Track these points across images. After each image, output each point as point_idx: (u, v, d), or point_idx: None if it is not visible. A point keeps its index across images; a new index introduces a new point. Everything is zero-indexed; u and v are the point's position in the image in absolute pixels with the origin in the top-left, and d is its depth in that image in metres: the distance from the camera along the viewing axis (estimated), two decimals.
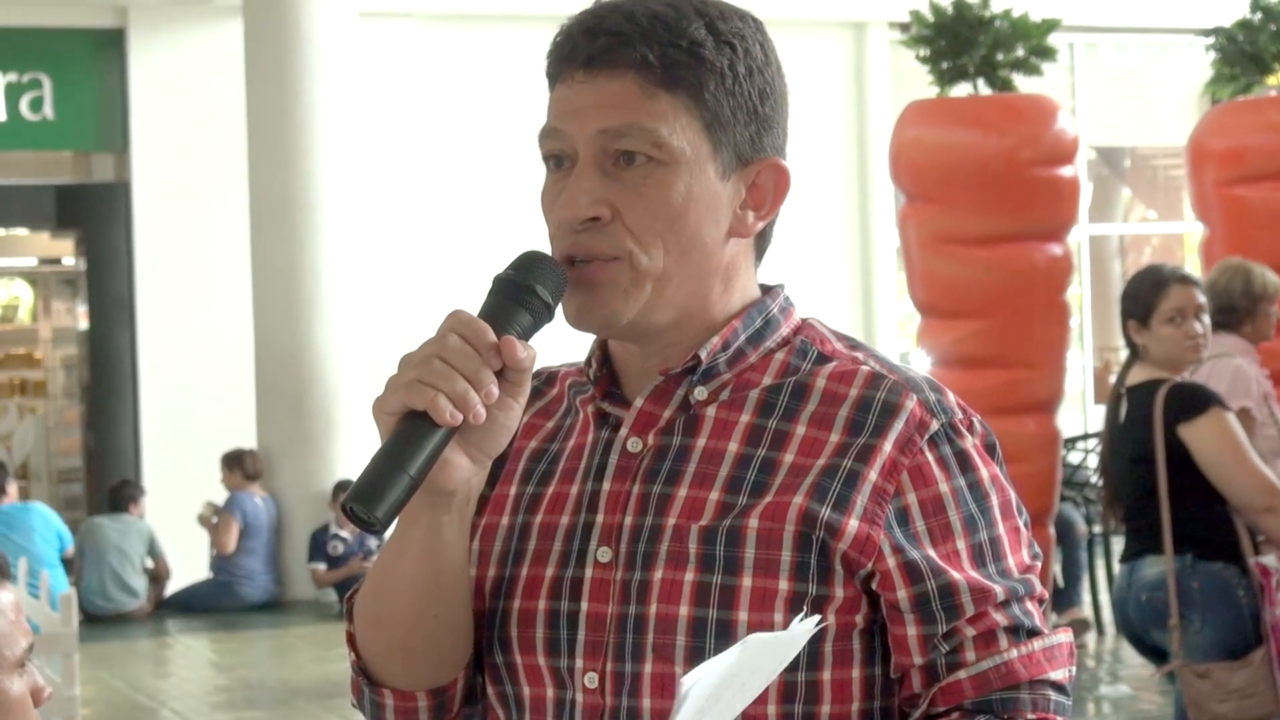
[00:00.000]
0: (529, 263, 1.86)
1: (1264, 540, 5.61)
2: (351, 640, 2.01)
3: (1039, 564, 1.90)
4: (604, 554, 1.89)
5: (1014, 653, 1.83)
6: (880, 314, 15.84)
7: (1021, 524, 1.90)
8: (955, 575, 1.83)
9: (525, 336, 1.83)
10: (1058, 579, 10.09)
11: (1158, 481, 5.55)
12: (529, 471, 1.98)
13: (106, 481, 13.82)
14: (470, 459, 1.83)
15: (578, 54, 1.88)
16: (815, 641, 1.81)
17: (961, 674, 1.83)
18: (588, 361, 1.99)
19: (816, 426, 1.86)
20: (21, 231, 16.99)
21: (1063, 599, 10.34)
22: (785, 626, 1.79)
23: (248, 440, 13.23)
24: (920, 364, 8.10)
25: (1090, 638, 10.46)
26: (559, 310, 1.88)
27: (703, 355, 1.89)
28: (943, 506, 1.85)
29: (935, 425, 1.85)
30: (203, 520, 13.18)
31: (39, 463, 16.99)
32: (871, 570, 1.83)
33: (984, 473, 1.87)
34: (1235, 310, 6.48)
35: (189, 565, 13.16)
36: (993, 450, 1.90)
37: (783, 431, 1.86)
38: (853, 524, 1.82)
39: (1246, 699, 5.50)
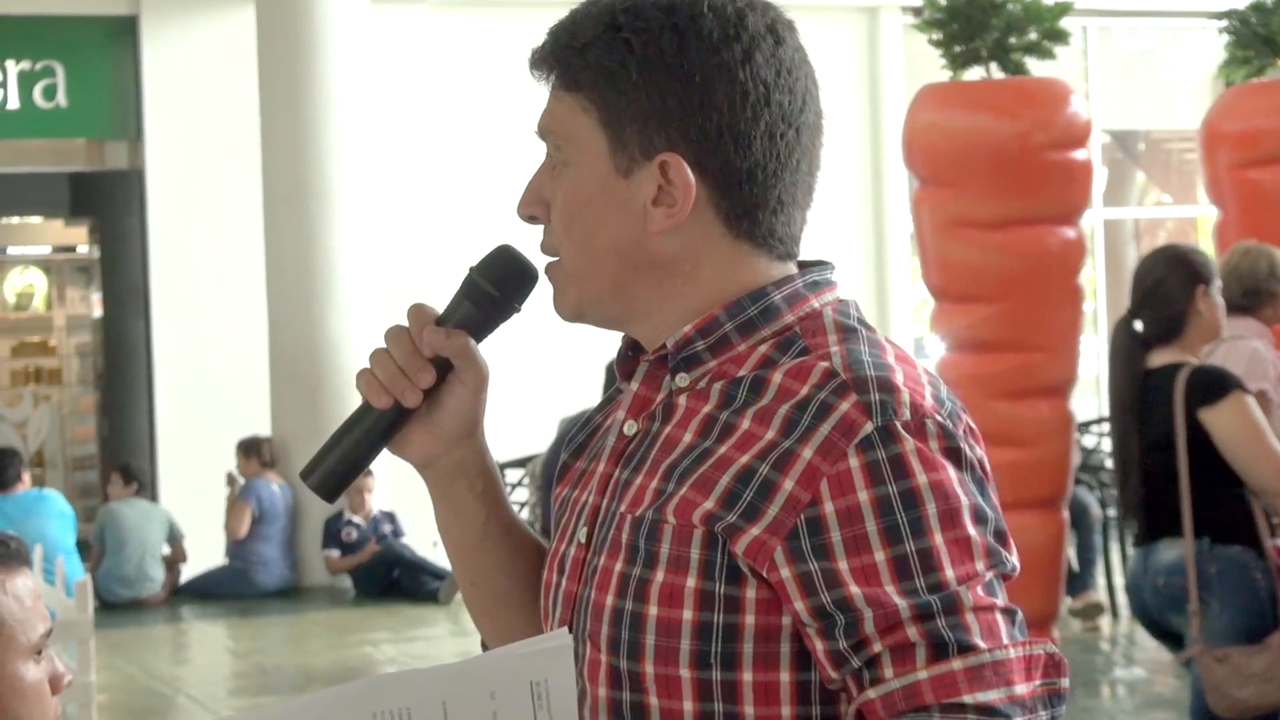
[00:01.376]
0: (488, 258, 1.98)
1: None
2: None
3: (1000, 572, 1.78)
4: (582, 534, 1.94)
5: (923, 674, 1.72)
6: (894, 299, 15.84)
7: (974, 533, 1.76)
8: (853, 589, 1.73)
9: (472, 326, 1.95)
10: (1072, 562, 10.08)
11: (1177, 465, 5.55)
12: (590, 447, 2.04)
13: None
14: (432, 436, 1.98)
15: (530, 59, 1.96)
16: (731, 640, 1.79)
17: (872, 693, 1.73)
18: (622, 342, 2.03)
19: (757, 422, 1.81)
20: (35, 219, 17.01)
21: (1077, 582, 10.34)
22: (694, 623, 1.79)
23: (262, 427, 13.25)
24: (934, 348, 8.10)
25: (1105, 621, 10.46)
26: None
27: (669, 343, 1.90)
28: (860, 516, 1.74)
29: (868, 428, 1.76)
30: (230, 479, 13.23)
31: (54, 450, 17.02)
32: (766, 580, 1.77)
33: (921, 479, 1.75)
34: (1260, 293, 6.46)
35: (205, 552, 13.18)
36: (954, 455, 1.78)
37: (730, 424, 1.83)
38: (753, 531, 1.77)
39: (1267, 683, 5.49)
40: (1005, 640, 1.74)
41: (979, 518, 1.77)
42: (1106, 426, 11.73)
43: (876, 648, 1.73)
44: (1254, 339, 6.33)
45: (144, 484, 13.01)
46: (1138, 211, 17.94)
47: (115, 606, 12.39)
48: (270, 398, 13.27)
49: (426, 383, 1.94)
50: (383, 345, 1.95)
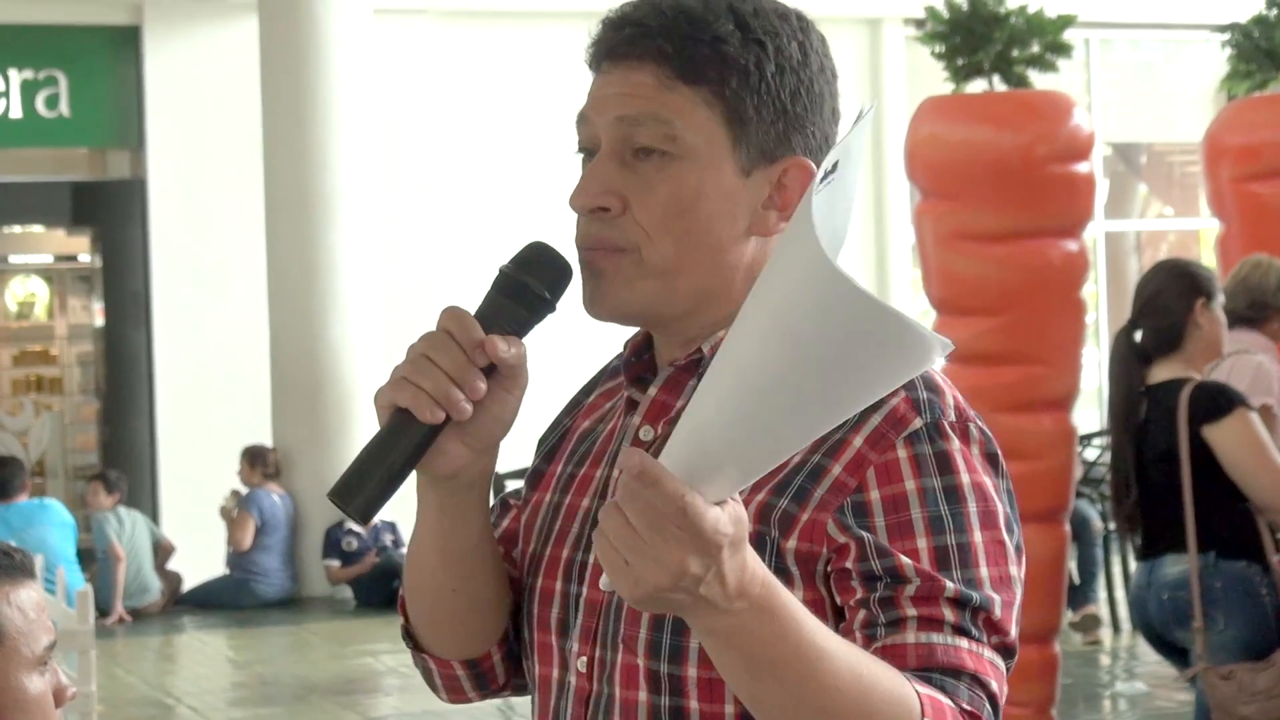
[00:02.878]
0: (527, 256, 1.88)
1: None
2: (402, 604, 2.09)
3: (1017, 592, 1.80)
4: None
5: (963, 642, 1.74)
6: None
7: (1010, 542, 1.80)
8: (905, 560, 1.75)
9: (520, 331, 1.84)
10: (1073, 575, 10.07)
11: (1181, 480, 5.54)
12: (574, 451, 2.01)
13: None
14: (467, 447, 1.86)
15: (604, 45, 1.90)
16: None
17: (909, 637, 1.74)
18: (626, 345, 2.00)
19: None
20: (37, 228, 17.00)
21: (1078, 595, 10.33)
22: None
23: (263, 436, 13.24)
24: (935, 362, 8.09)
25: (1105, 634, 10.45)
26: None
27: (705, 349, 1.89)
28: (905, 504, 1.77)
29: (917, 424, 1.79)
30: (225, 512, 13.19)
31: (55, 459, 17.00)
32: (825, 555, 1.78)
33: (965, 478, 1.79)
34: (1267, 306, 6.46)
35: (205, 562, 13.17)
36: (993, 460, 1.83)
37: None
38: (805, 516, 1.78)
39: (1272, 699, 5.48)
40: (1001, 661, 1.78)
41: (1009, 528, 1.81)
42: (1108, 440, 11.73)
43: (909, 611, 1.75)
44: (1259, 353, 6.32)
45: (124, 493, 12.95)
46: (1140, 224, 17.94)
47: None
48: (271, 407, 13.26)
49: (481, 394, 1.81)
50: (421, 354, 1.81)
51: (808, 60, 1.88)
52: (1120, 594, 10.53)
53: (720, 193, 1.86)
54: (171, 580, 13.04)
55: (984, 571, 1.77)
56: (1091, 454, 12.70)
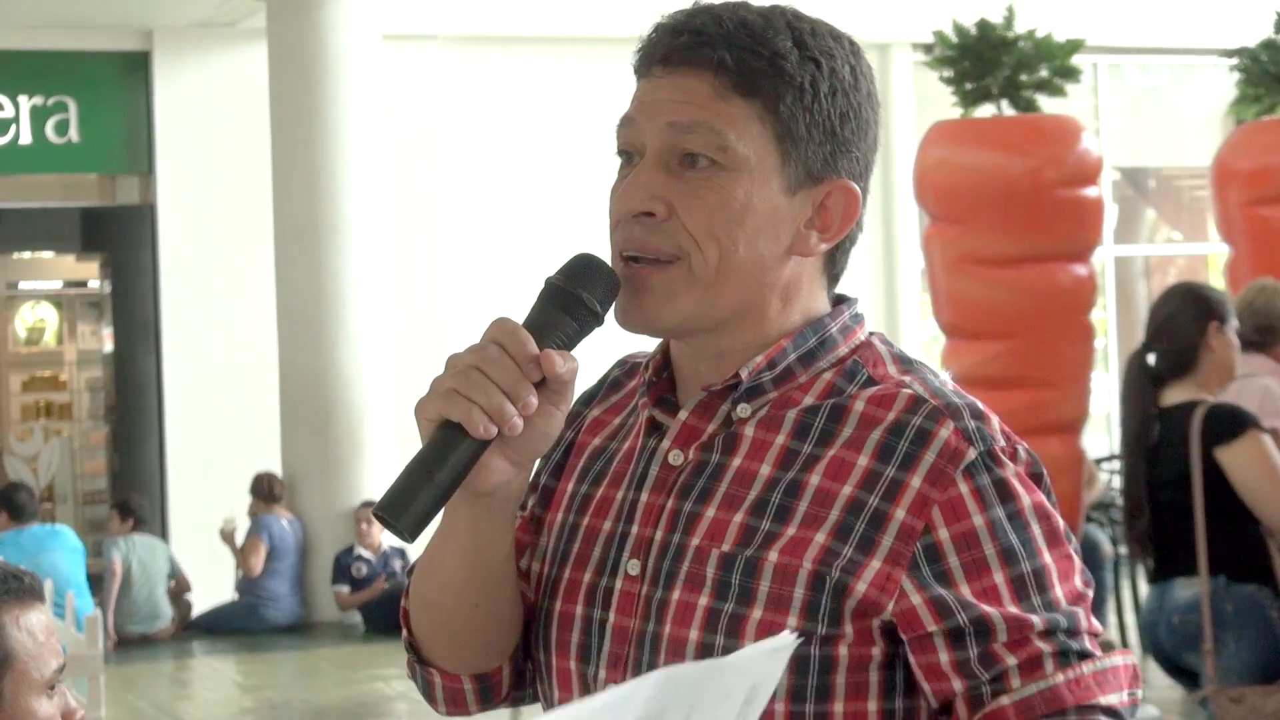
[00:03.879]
0: (578, 268, 1.84)
1: None
2: (405, 616, 2.04)
3: (1091, 592, 1.84)
4: (633, 566, 1.89)
5: (1060, 677, 1.77)
6: (905, 335, 15.83)
7: (1073, 551, 1.84)
8: (988, 609, 1.77)
9: (570, 345, 1.82)
10: None
11: (1193, 503, 5.54)
12: (586, 470, 1.99)
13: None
14: (509, 462, 1.83)
15: (659, 49, 1.88)
16: (826, 674, 1.80)
17: (1004, 700, 1.77)
18: (646, 365, 1.97)
19: (847, 449, 1.82)
20: (47, 254, 17.03)
21: None
22: (793, 658, 1.73)
23: (272, 462, 13.24)
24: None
25: None
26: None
27: (744, 374, 1.88)
28: (977, 540, 1.78)
29: (972, 454, 1.79)
30: (225, 536, 13.19)
31: (64, 485, 17.01)
32: (894, 610, 1.78)
33: (1025, 500, 1.80)
34: (1274, 330, 6.46)
35: (215, 587, 13.17)
36: (1039, 479, 1.84)
37: (815, 455, 1.83)
38: (874, 564, 1.78)
39: None
40: (1106, 661, 1.82)
41: (1069, 538, 1.85)
42: (1118, 464, 11.71)
43: (1009, 661, 1.77)
44: (1266, 376, 6.32)
45: (141, 519, 12.97)
46: (1148, 249, 17.93)
47: (125, 642, 12.38)
48: (280, 432, 13.26)
49: (533, 409, 1.78)
50: (472, 366, 1.77)
51: (859, 84, 1.88)
52: (1130, 618, 10.51)
53: (765, 208, 1.85)
54: (183, 607, 13.04)
55: (1058, 591, 1.80)
56: (1101, 478, 12.67)
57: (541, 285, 1.85)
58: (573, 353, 1.83)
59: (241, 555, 13.05)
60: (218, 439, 14.18)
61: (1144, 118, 17.25)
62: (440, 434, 1.77)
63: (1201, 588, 5.55)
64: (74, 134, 14.36)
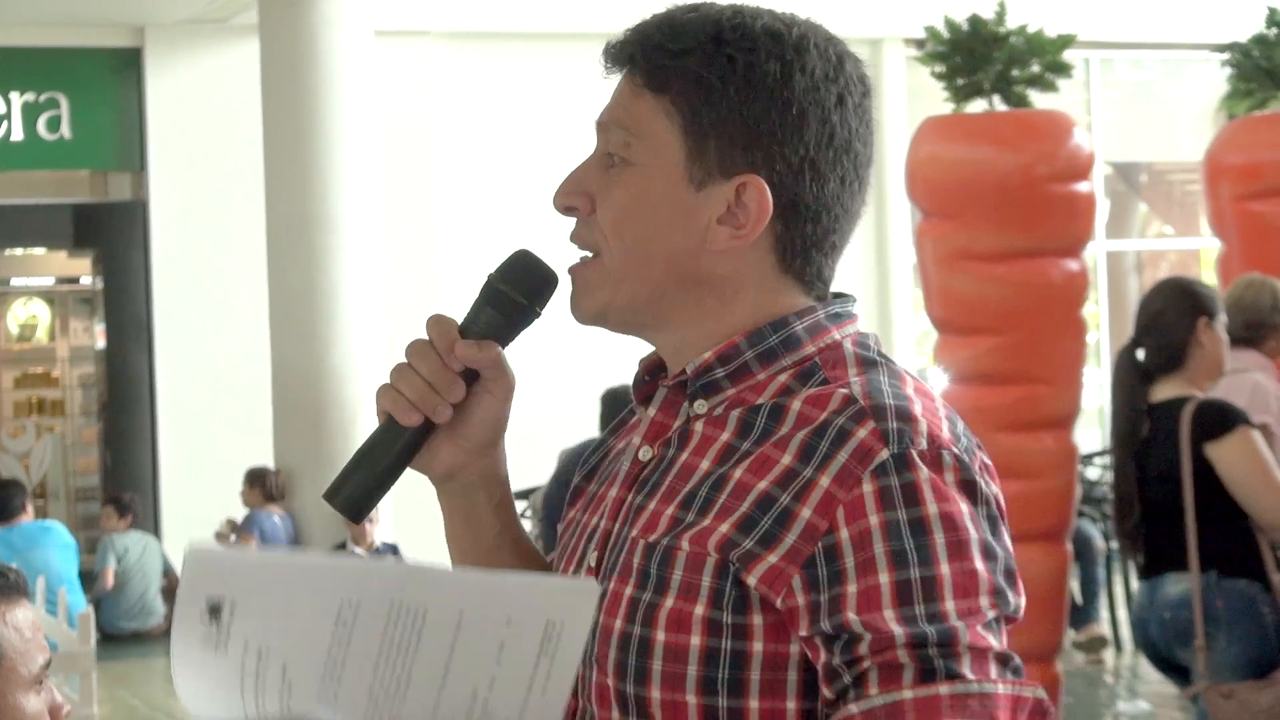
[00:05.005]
0: (509, 263, 1.94)
1: None
2: None
3: (1003, 613, 1.76)
4: (593, 559, 1.93)
5: (909, 694, 1.70)
6: (897, 331, 15.84)
7: (981, 568, 1.75)
8: (851, 615, 1.72)
9: (499, 336, 1.91)
10: (1075, 595, 10.06)
11: (1183, 499, 5.54)
12: (601, 470, 2.04)
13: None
14: (458, 448, 1.93)
15: (605, 51, 1.93)
16: (739, 669, 1.79)
17: (854, 707, 1.72)
18: (638, 365, 2.02)
19: (775, 447, 1.82)
20: (39, 251, 17.03)
21: (1080, 615, 10.32)
22: (702, 650, 1.79)
23: (265, 459, 13.23)
24: (937, 381, 8.10)
25: (1108, 654, 10.44)
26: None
27: (689, 369, 1.90)
28: (870, 540, 1.74)
29: (883, 455, 1.76)
30: (220, 538, 13.18)
31: (56, 481, 17.01)
32: (781, 607, 1.77)
33: (932, 508, 1.75)
34: (1262, 325, 6.46)
35: None
36: (968, 488, 1.78)
37: (746, 451, 1.83)
38: (770, 559, 1.77)
39: (1274, 718, 5.48)
40: (994, 676, 1.72)
41: (987, 554, 1.77)
42: (1110, 459, 11.73)
43: (866, 665, 1.72)
44: (1256, 372, 6.33)
45: (137, 515, 12.97)
46: (1140, 244, 17.94)
47: (117, 638, 12.37)
48: (273, 429, 13.26)
49: (458, 397, 1.90)
50: (403, 361, 1.90)
51: (789, 80, 1.86)
52: (1122, 613, 10.52)
53: (670, 203, 1.87)
54: (171, 601, 13.04)
55: (949, 605, 1.72)
56: (1093, 473, 12.70)
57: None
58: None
59: None
60: (210, 435, 14.17)
61: (1136, 113, 17.26)
62: (381, 423, 1.91)
63: (1193, 583, 5.55)
64: (66, 130, 14.35)
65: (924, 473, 1.76)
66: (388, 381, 1.89)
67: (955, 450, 1.79)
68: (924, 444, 1.77)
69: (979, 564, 1.75)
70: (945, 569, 1.73)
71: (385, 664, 1.70)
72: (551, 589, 1.72)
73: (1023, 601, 1.80)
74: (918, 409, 1.81)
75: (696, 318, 1.90)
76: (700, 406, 1.90)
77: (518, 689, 1.71)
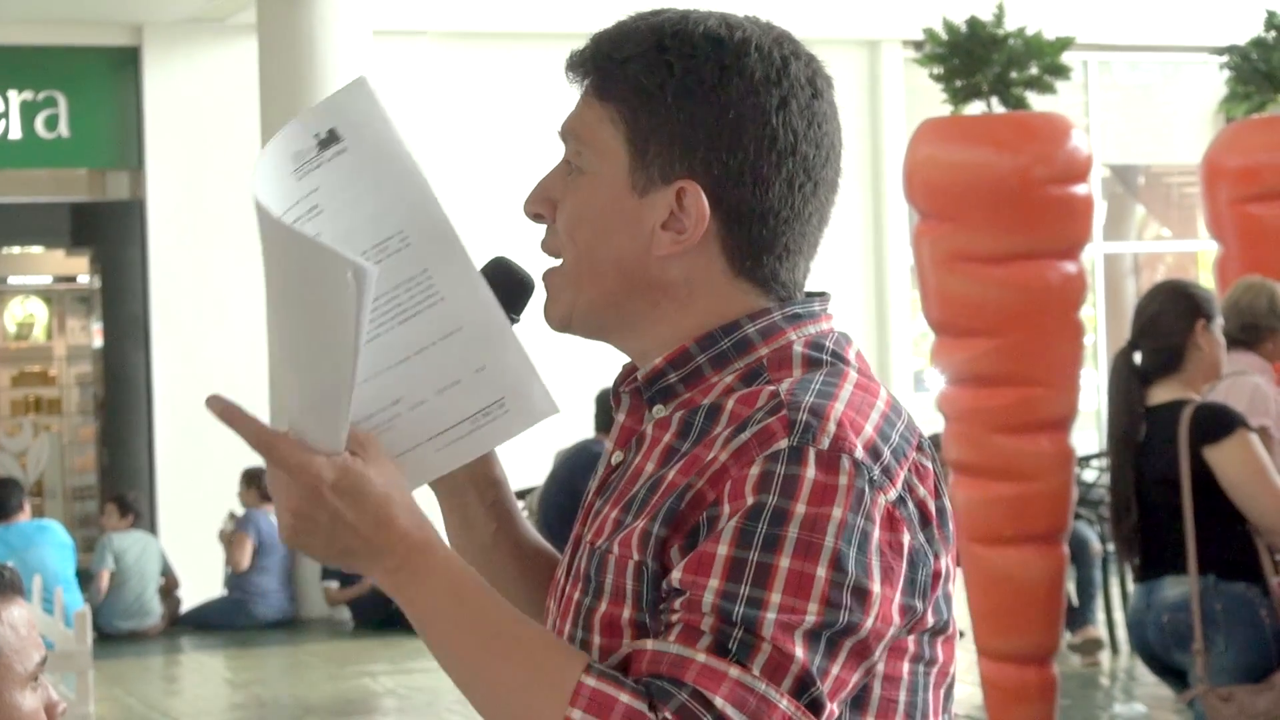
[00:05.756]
0: (484, 269, 1.96)
1: None
2: None
3: (836, 630, 1.71)
4: (565, 565, 1.97)
5: (701, 656, 1.69)
6: (894, 332, 15.84)
7: (823, 575, 1.71)
8: (677, 574, 1.74)
9: None
10: (1072, 597, 10.06)
11: (1182, 503, 5.54)
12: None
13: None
14: None
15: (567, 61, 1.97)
16: None
17: (648, 644, 1.74)
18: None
19: (704, 446, 1.82)
20: (36, 249, 17.02)
21: (1077, 617, 10.32)
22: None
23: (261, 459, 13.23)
24: (934, 383, 8.10)
25: (1104, 656, 10.44)
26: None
27: (640, 375, 1.92)
28: (734, 514, 1.74)
29: (781, 444, 1.76)
30: (223, 536, 13.19)
31: (54, 480, 17.01)
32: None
33: (801, 507, 1.72)
34: (1259, 328, 6.46)
35: (203, 583, 13.16)
36: (855, 496, 1.74)
37: (685, 452, 1.84)
38: (669, 536, 1.79)
39: None
40: (783, 689, 1.70)
41: (837, 564, 1.73)
42: (1106, 461, 11.73)
43: (675, 617, 1.73)
44: (1256, 375, 6.32)
45: (139, 515, 12.98)
46: (1138, 246, 17.95)
47: (114, 637, 12.37)
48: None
49: None
50: None
51: (726, 85, 1.86)
52: (1119, 616, 10.52)
53: (615, 209, 1.88)
54: (171, 604, 13.04)
55: (774, 597, 1.70)
56: (1090, 475, 12.70)
57: None
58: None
59: (229, 550, 13.05)
60: (207, 434, 14.10)
61: (1134, 115, 17.27)
62: None
63: (1191, 587, 5.55)
64: (64, 129, 14.35)
65: (811, 471, 1.74)
66: None
67: (857, 456, 1.76)
68: (825, 443, 1.75)
69: (821, 570, 1.72)
70: (785, 562, 1.71)
71: (374, 310, 1.77)
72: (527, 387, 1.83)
73: (868, 622, 1.74)
74: (837, 407, 1.79)
75: (654, 322, 1.91)
76: (659, 411, 1.91)
77: (429, 428, 1.82)
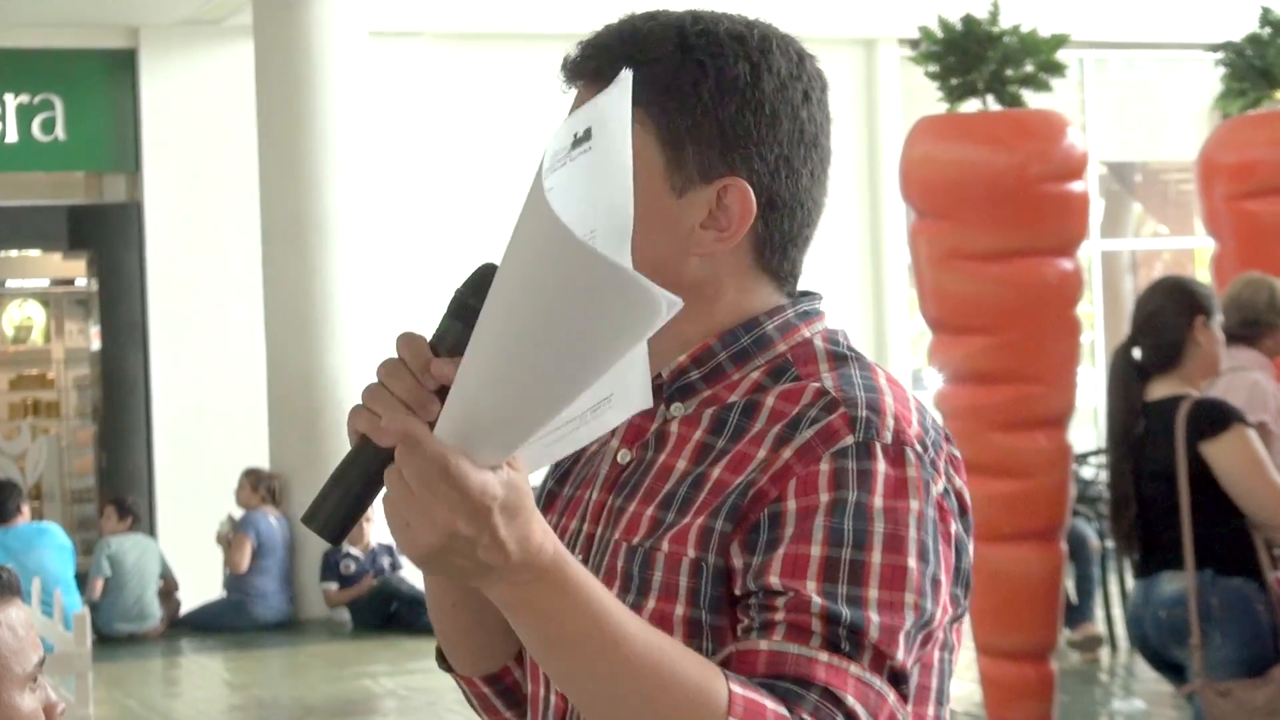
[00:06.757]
0: (475, 277, 1.90)
1: None
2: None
3: (909, 621, 1.75)
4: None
5: (823, 655, 1.71)
6: (892, 330, 15.84)
7: (913, 566, 1.75)
8: (773, 579, 1.75)
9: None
10: (1070, 594, 10.07)
11: (1179, 498, 5.55)
12: (575, 474, 2.04)
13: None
14: None
15: (563, 66, 1.95)
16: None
17: (763, 644, 1.73)
18: None
19: (750, 443, 1.84)
20: (34, 253, 17.02)
21: (1076, 614, 10.33)
22: None
23: (260, 461, 13.24)
24: (932, 380, 8.11)
25: (1104, 653, 10.44)
26: None
27: (664, 373, 1.92)
28: (814, 514, 1.76)
29: (848, 440, 1.78)
30: (221, 538, 13.19)
31: (52, 483, 17.00)
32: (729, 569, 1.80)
33: (879, 500, 1.76)
34: (1258, 324, 6.47)
35: (202, 585, 13.16)
36: (922, 488, 1.79)
37: (724, 450, 1.85)
38: (732, 532, 1.80)
39: (1270, 716, 5.49)
40: (887, 682, 1.73)
41: (922, 555, 1.77)
42: (1104, 458, 11.73)
43: (778, 617, 1.73)
44: (1255, 370, 6.33)
45: (138, 518, 12.98)
46: (1134, 243, 17.96)
47: (113, 639, 12.37)
48: (268, 431, 13.26)
49: (433, 415, 1.81)
50: (374, 382, 1.85)
51: (758, 81, 1.89)
52: (1118, 612, 10.52)
53: (652, 210, 1.87)
54: (171, 606, 13.04)
55: (872, 593, 1.73)
56: (1088, 472, 12.70)
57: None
58: None
59: (228, 552, 13.05)
60: (205, 437, 14.17)
61: (1130, 112, 17.27)
62: (356, 444, 1.85)
63: (1188, 582, 5.56)
64: (60, 132, 14.35)
65: (881, 465, 1.77)
66: (360, 402, 1.84)
67: (917, 449, 1.80)
68: (889, 438, 1.79)
69: (912, 562, 1.76)
70: (877, 558, 1.75)
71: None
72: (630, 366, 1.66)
73: (938, 612, 1.79)
74: (889, 402, 1.83)
75: (679, 321, 1.89)
76: (678, 409, 1.92)
77: (551, 425, 1.68)
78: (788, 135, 1.90)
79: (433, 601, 2.04)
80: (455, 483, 1.60)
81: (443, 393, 1.82)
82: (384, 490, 1.78)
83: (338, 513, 1.84)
